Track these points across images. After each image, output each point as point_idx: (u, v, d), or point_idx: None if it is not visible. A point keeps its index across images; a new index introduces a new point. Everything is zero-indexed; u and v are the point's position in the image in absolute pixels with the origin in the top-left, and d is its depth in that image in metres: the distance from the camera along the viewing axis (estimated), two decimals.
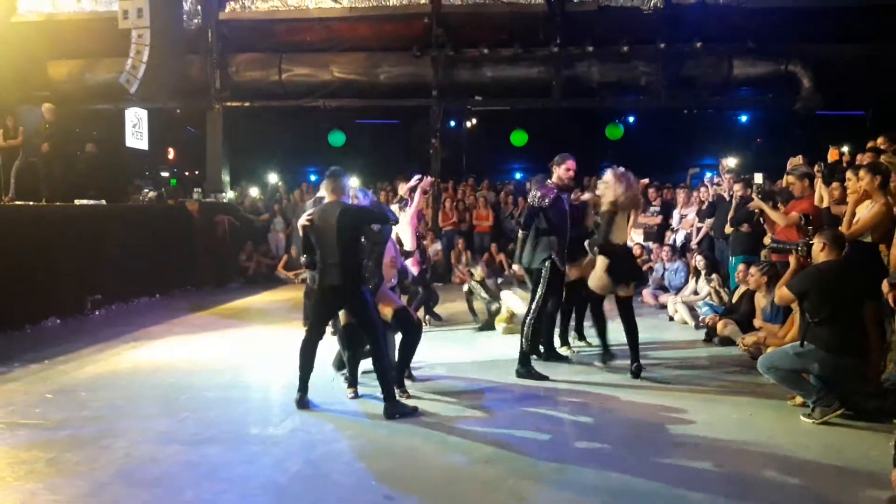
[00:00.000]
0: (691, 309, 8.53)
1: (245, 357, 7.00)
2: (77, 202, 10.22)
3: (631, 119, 16.41)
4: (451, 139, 15.53)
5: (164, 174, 15.59)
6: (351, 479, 3.98)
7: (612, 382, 5.94)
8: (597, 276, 6.05)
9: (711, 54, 12.80)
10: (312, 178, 21.30)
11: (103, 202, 10.58)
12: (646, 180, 12.97)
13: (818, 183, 6.58)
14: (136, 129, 12.19)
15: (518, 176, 18.73)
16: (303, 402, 5.18)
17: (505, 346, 7.21)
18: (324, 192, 5.28)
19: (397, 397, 5.12)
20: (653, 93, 13.12)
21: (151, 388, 5.85)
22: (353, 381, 5.53)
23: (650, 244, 11.21)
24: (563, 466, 4.12)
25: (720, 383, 5.94)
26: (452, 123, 16.95)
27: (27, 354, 6.87)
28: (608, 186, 5.97)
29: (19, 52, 13.26)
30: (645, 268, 10.96)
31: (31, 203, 10.06)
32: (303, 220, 5.18)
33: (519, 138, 15.43)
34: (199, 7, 13.55)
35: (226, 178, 14.17)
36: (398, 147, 16.91)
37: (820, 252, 4.97)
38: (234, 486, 3.89)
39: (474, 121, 17.68)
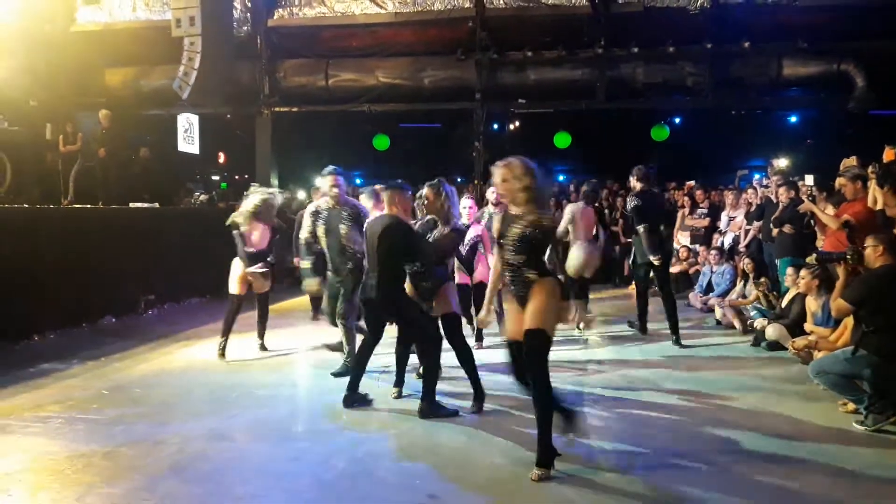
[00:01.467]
0: (739, 312, 8.40)
1: (293, 355, 7.15)
2: (132, 205, 10.55)
3: (677, 120, 16.18)
4: (495, 142, 15.52)
5: (215, 177, 15.96)
6: (395, 478, 4.03)
7: (656, 386, 5.90)
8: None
9: (760, 54, 12.54)
10: (358, 181, 21.52)
11: (157, 205, 10.90)
12: (692, 182, 12.92)
13: (872, 185, 6.40)
14: (188, 134, 12.51)
15: (561, 178, 18.65)
16: (350, 401, 5.26)
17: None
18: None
19: (436, 399, 5.13)
20: (699, 94, 12.91)
21: (202, 386, 6.01)
22: (398, 381, 5.61)
23: (697, 247, 11.06)
24: (608, 471, 4.11)
25: (769, 388, 5.82)
26: (496, 126, 16.97)
27: (85, 351, 7.15)
28: None
29: (78, 60, 13.72)
30: (691, 271, 10.82)
31: (88, 206, 10.41)
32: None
33: (562, 140, 15.36)
34: (248, 14, 13.81)
35: (274, 181, 14.42)
36: (441, 150, 17.00)
37: (877, 256, 4.83)
38: (282, 482, 3.98)
39: (517, 123, 17.67)
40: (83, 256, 8.35)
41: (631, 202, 7.52)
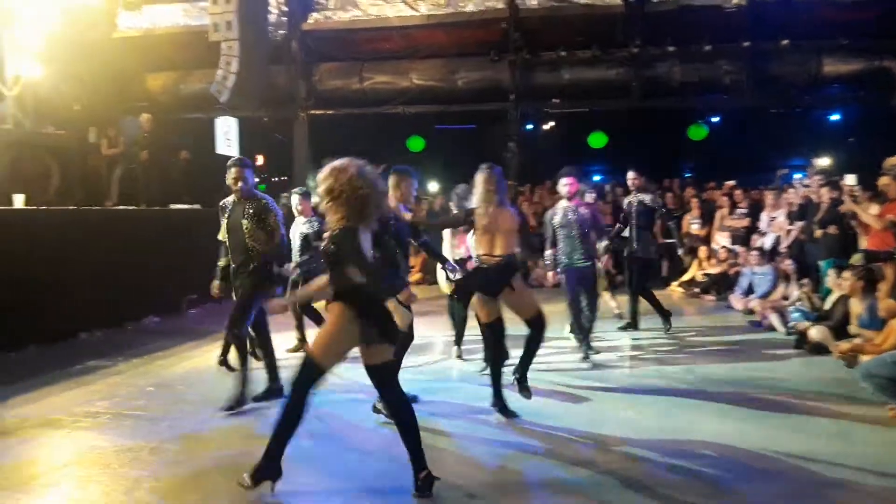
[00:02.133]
0: (781, 314, 8.25)
1: None
2: (172, 207, 10.75)
3: (715, 119, 15.96)
4: (529, 142, 15.50)
5: (255, 180, 16.18)
6: (454, 475, 3.99)
7: (696, 388, 5.84)
8: None
9: (799, 51, 12.34)
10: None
11: (197, 206, 11.09)
12: (731, 182, 12.74)
13: None
14: (227, 137, 12.70)
15: (596, 178, 18.52)
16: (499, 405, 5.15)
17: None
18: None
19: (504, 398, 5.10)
20: (738, 92, 12.75)
21: None
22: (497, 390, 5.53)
23: (737, 247, 10.91)
24: (653, 475, 4.09)
25: (813, 391, 5.69)
26: (529, 126, 16.93)
27: (130, 350, 7.33)
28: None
29: (120, 65, 14.04)
30: (731, 272, 10.68)
31: (130, 207, 10.64)
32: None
33: (598, 140, 15.28)
34: (284, 18, 14.01)
35: (311, 182, 14.58)
36: (475, 151, 16.99)
37: None
38: (319, 478, 4.04)
39: (552, 123, 17.61)
40: (127, 257, 8.54)
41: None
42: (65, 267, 7.64)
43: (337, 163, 3.67)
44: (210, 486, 3.96)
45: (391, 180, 5.11)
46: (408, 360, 5.35)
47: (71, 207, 9.66)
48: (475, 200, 5.18)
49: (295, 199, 7.20)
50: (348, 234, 3.52)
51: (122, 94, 14.29)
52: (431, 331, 7.86)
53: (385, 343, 3.68)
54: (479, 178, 5.18)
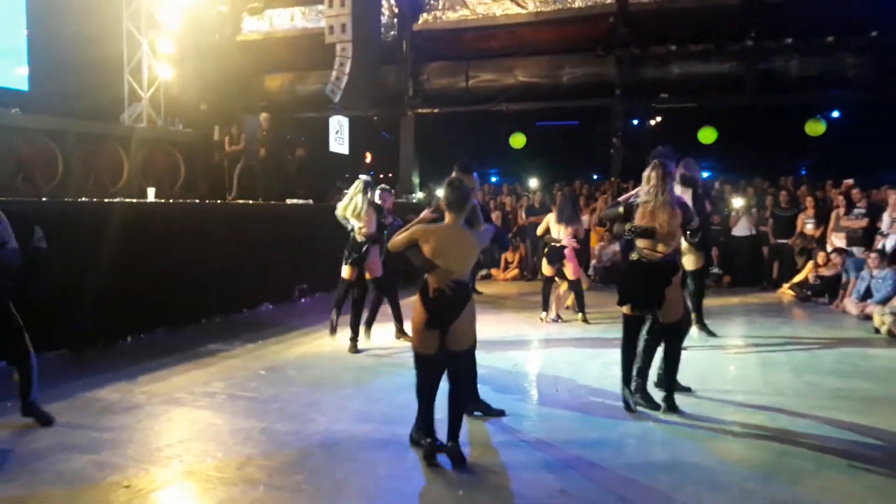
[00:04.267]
0: None
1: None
2: (288, 201, 11.35)
3: (835, 114, 15.11)
4: (634, 138, 15.23)
5: (363, 176, 16.78)
6: (527, 471, 4.11)
7: (810, 398, 5.67)
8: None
9: None
10: (493, 179, 21.78)
11: (311, 201, 11.65)
12: (850, 180, 12.06)
13: None
14: (339, 135, 13.23)
15: (706, 174, 17.95)
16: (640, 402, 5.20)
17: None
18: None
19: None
20: (861, 86, 12.02)
21: (349, 370, 6.44)
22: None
23: (854, 249, 10.36)
24: (739, 480, 4.05)
25: None
26: (635, 122, 16.63)
27: (245, 335, 7.83)
28: None
29: (243, 67, 14.91)
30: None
31: (249, 202, 11.29)
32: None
33: (707, 136, 14.81)
34: (395, 20, 14.41)
35: (416, 179, 14.97)
36: (578, 147, 16.90)
37: None
38: (420, 464, 4.20)
39: (659, 119, 17.22)
40: (244, 248, 9.10)
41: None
42: (190, 256, 8.23)
43: None
44: (314, 465, 4.20)
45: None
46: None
47: (196, 201, 10.39)
48: (642, 195, 5.08)
49: (377, 195, 7.46)
50: None
51: (244, 94, 15.13)
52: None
53: None
54: (651, 174, 5.03)
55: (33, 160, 9.70)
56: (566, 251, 8.49)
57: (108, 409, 5.19)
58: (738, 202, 12.48)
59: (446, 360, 4.22)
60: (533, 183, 16.10)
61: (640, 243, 5.06)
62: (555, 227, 8.62)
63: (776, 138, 14.66)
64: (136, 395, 5.57)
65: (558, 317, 8.85)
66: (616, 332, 5.70)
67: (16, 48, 10.38)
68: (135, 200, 9.08)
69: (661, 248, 5.00)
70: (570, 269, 8.60)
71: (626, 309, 5.19)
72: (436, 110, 14.73)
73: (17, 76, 10.45)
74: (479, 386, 5.23)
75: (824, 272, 10.50)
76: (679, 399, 5.19)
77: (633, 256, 5.14)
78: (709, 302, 8.25)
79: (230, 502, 3.72)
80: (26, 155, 9.55)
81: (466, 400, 4.54)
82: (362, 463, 4.24)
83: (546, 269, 8.76)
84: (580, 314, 8.79)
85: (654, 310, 5.08)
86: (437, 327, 4.17)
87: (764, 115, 14.39)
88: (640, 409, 5.12)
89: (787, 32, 12.04)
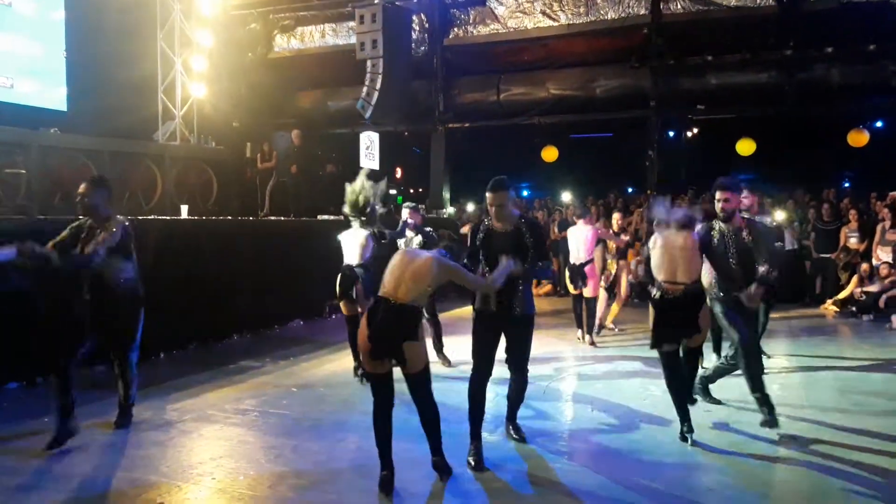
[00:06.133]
0: None
1: (462, 361, 7.30)
2: (320, 217, 11.35)
3: (879, 123, 14.71)
4: (670, 150, 15.01)
5: (392, 192, 16.76)
6: (559, 494, 4.02)
7: (856, 415, 5.42)
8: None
9: None
10: (525, 192, 21.61)
11: (342, 217, 11.63)
12: (895, 192, 11.68)
13: None
14: (369, 151, 13.24)
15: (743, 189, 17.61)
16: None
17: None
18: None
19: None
20: None
21: None
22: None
23: None
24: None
25: None
26: (671, 134, 16.40)
27: (276, 352, 7.81)
28: None
29: (274, 84, 15.06)
30: (894, 291, 9.80)
31: (281, 218, 11.33)
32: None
33: (746, 147, 14.50)
34: (425, 35, 14.44)
35: (446, 194, 14.91)
36: (612, 160, 16.69)
37: None
38: (451, 484, 4.12)
39: (695, 130, 16.95)
40: (275, 264, 9.11)
41: None
42: (222, 272, 8.25)
43: None
44: (345, 484, 4.15)
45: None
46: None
47: (228, 217, 10.44)
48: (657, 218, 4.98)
49: (405, 212, 7.52)
50: None
51: (275, 111, 15.28)
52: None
53: None
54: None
55: (71, 179, 9.83)
56: (586, 268, 8.14)
57: (140, 426, 5.17)
58: (779, 215, 12.15)
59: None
60: (566, 197, 15.94)
61: (659, 275, 4.83)
62: (573, 246, 8.25)
63: (817, 149, 14.30)
64: (168, 411, 5.58)
65: (601, 328, 8.66)
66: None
67: (55, 69, 10.59)
68: (168, 217, 9.14)
69: (680, 277, 4.76)
70: (589, 287, 8.20)
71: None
72: (466, 125, 14.69)
73: (57, 97, 10.66)
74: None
75: (870, 288, 10.15)
76: (723, 418, 5.09)
77: (655, 294, 4.85)
78: None
79: None
80: (65, 174, 9.70)
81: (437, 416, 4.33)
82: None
83: (571, 288, 8.47)
84: (587, 335, 8.37)
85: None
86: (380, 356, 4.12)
87: (804, 126, 14.06)
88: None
89: (826, 41, 11.77)
